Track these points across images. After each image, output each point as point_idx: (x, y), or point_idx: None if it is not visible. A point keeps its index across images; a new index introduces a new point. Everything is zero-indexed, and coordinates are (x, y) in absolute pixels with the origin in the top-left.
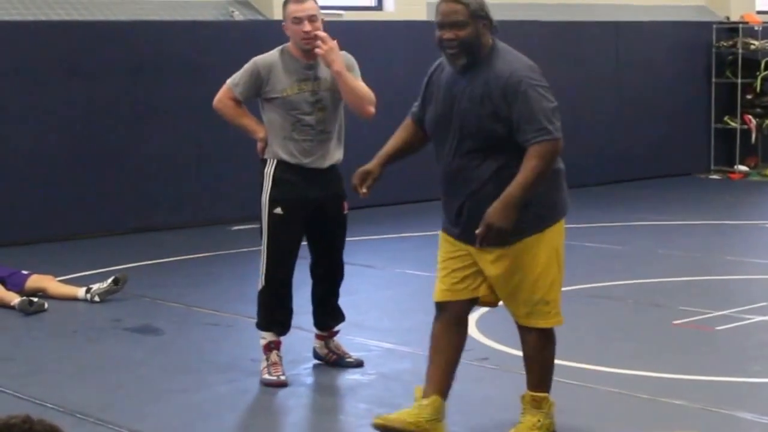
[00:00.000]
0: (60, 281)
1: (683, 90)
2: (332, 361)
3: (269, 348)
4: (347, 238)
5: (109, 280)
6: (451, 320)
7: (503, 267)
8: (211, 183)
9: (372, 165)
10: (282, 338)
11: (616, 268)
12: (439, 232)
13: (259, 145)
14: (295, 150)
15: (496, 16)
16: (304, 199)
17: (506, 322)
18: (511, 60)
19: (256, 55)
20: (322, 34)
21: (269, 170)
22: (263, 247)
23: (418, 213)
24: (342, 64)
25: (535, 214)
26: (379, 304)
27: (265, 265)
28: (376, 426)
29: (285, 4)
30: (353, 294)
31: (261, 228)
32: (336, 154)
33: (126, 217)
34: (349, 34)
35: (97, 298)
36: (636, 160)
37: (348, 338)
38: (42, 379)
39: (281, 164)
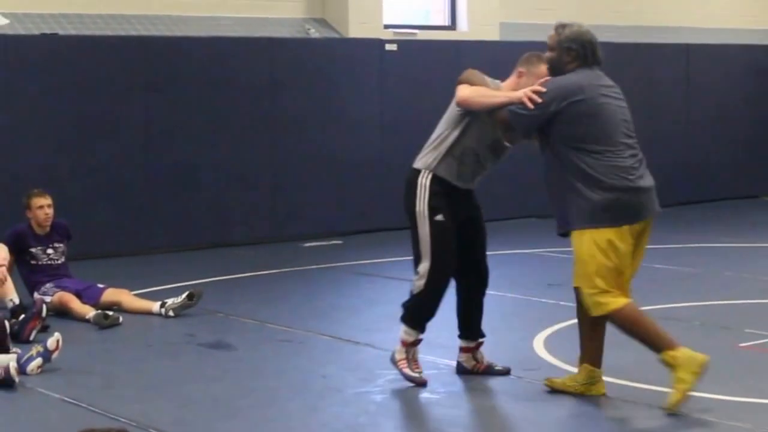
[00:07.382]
0: (135, 295)
1: (753, 112)
2: (481, 370)
3: (415, 344)
4: None
5: (184, 296)
6: None
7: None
8: (286, 199)
9: None
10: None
11: (683, 290)
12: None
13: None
14: (455, 172)
15: None
16: (455, 213)
17: (573, 342)
18: None
19: (330, 71)
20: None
21: (424, 181)
22: (427, 254)
23: (505, 231)
24: None
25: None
26: (453, 324)
27: (429, 270)
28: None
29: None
30: None
31: (417, 236)
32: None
33: (201, 232)
34: (422, 53)
35: (171, 313)
36: (705, 182)
37: (419, 356)
38: (116, 392)
39: (436, 179)
